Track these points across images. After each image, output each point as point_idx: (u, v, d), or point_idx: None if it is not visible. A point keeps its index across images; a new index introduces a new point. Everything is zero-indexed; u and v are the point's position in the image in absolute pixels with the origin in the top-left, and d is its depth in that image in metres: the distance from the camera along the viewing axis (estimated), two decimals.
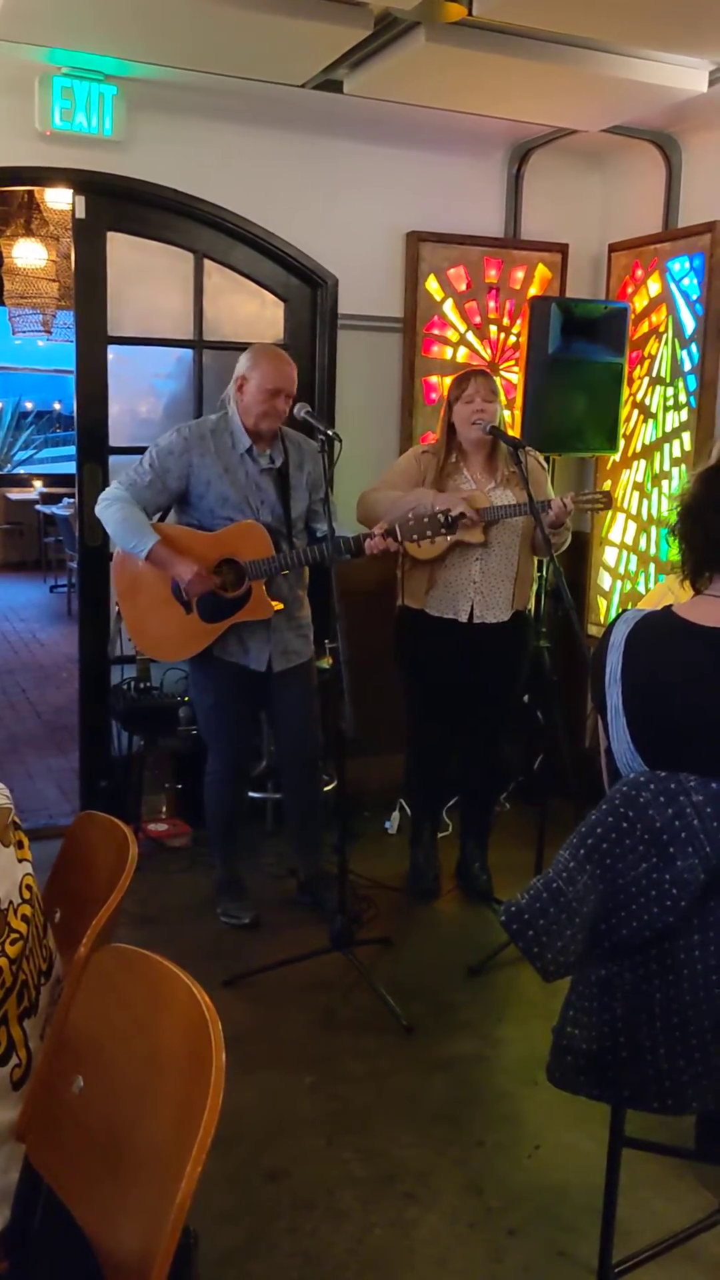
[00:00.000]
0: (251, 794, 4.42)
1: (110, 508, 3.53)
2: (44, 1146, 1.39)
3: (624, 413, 4.58)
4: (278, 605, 3.59)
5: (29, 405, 14.94)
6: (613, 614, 4.83)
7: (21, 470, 13.26)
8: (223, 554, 3.54)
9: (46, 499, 11.21)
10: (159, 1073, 1.25)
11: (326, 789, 4.10)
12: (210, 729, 3.82)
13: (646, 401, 4.59)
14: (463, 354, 4.76)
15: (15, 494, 12.11)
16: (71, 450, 4.70)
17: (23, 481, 12.59)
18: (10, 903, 1.53)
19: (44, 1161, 1.38)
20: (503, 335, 4.83)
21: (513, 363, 4.82)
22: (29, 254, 6.24)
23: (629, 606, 3.14)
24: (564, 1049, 1.95)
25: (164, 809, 4.56)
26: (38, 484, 12.19)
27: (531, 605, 4.06)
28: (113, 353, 4.39)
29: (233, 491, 3.55)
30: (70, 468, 4.80)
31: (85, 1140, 1.32)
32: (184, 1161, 1.10)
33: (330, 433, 3.40)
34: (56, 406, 15.57)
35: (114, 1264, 1.20)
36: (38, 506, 11.33)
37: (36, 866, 1.69)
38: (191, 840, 4.45)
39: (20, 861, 1.62)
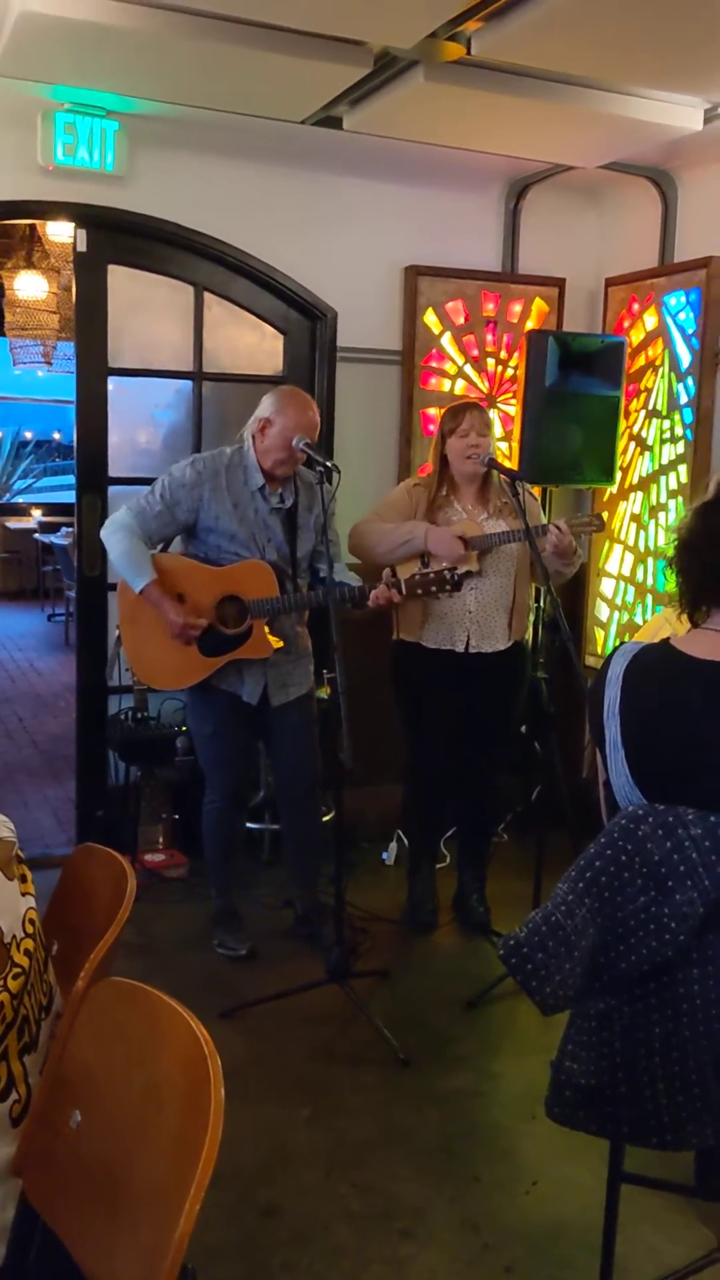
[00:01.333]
0: (249, 824, 4.41)
1: (116, 534, 3.54)
2: (40, 1182, 1.38)
3: (621, 445, 4.61)
4: (278, 644, 3.59)
5: (28, 435, 14.98)
6: (610, 645, 4.84)
7: (20, 499, 13.29)
8: (227, 590, 3.55)
9: (45, 528, 11.22)
10: (157, 1108, 1.25)
11: (325, 819, 4.08)
12: (208, 759, 3.82)
13: (643, 434, 4.62)
14: (461, 386, 4.80)
15: (14, 523, 12.13)
16: (70, 480, 4.72)
17: (21, 510, 12.61)
18: (14, 936, 1.53)
19: (40, 1198, 1.37)
20: (500, 368, 4.86)
21: (510, 395, 4.85)
22: (30, 286, 6.28)
23: (626, 638, 3.15)
24: (562, 1083, 1.94)
25: (161, 839, 4.55)
26: (36, 513, 12.21)
27: (530, 635, 4.07)
28: (112, 384, 4.42)
29: (240, 529, 3.56)
30: (69, 497, 4.81)
31: (82, 1176, 1.31)
32: (183, 1198, 1.09)
33: (329, 464, 3.42)
34: (56, 436, 15.62)
35: None
36: (36, 535, 11.35)
37: (38, 896, 1.69)
38: (188, 871, 4.43)
39: (24, 895, 1.61)
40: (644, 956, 1.81)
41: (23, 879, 1.62)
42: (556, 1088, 1.95)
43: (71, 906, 1.86)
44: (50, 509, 12.21)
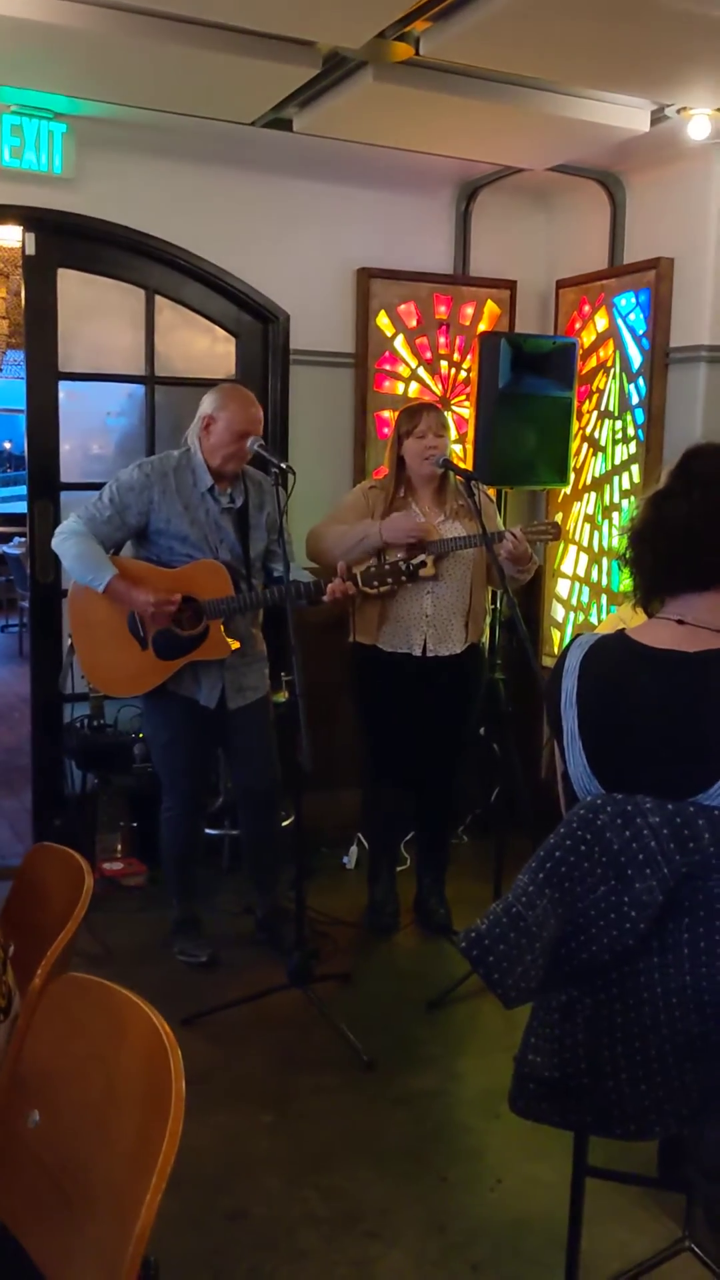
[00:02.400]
0: (208, 830, 4.37)
1: (67, 541, 3.51)
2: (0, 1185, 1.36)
3: (574, 446, 4.63)
4: (235, 644, 3.57)
5: None
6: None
7: None
8: (181, 591, 3.52)
9: None
10: (117, 1104, 1.22)
11: (284, 824, 4.06)
12: (165, 766, 3.78)
13: (596, 435, 4.65)
14: (414, 389, 4.80)
15: None
16: (21, 490, 4.68)
17: None
18: None
19: (1, 1201, 1.35)
20: (453, 370, 4.88)
21: (464, 397, 4.87)
22: None
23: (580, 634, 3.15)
24: (526, 1076, 1.93)
25: (119, 848, 4.50)
26: None
27: (486, 638, 4.08)
28: (64, 390, 4.38)
29: (192, 530, 3.54)
30: (20, 507, 4.77)
31: (41, 1175, 1.29)
32: (143, 1191, 1.07)
33: (284, 465, 3.41)
34: (7, 446, 15.47)
35: None
36: None
37: None
38: (147, 879, 4.39)
39: None
40: (605, 946, 1.81)
41: None
42: (520, 1081, 1.94)
43: (27, 906, 1.82)
44: (2, 519, 12.07)
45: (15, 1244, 1.28)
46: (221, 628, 3.54)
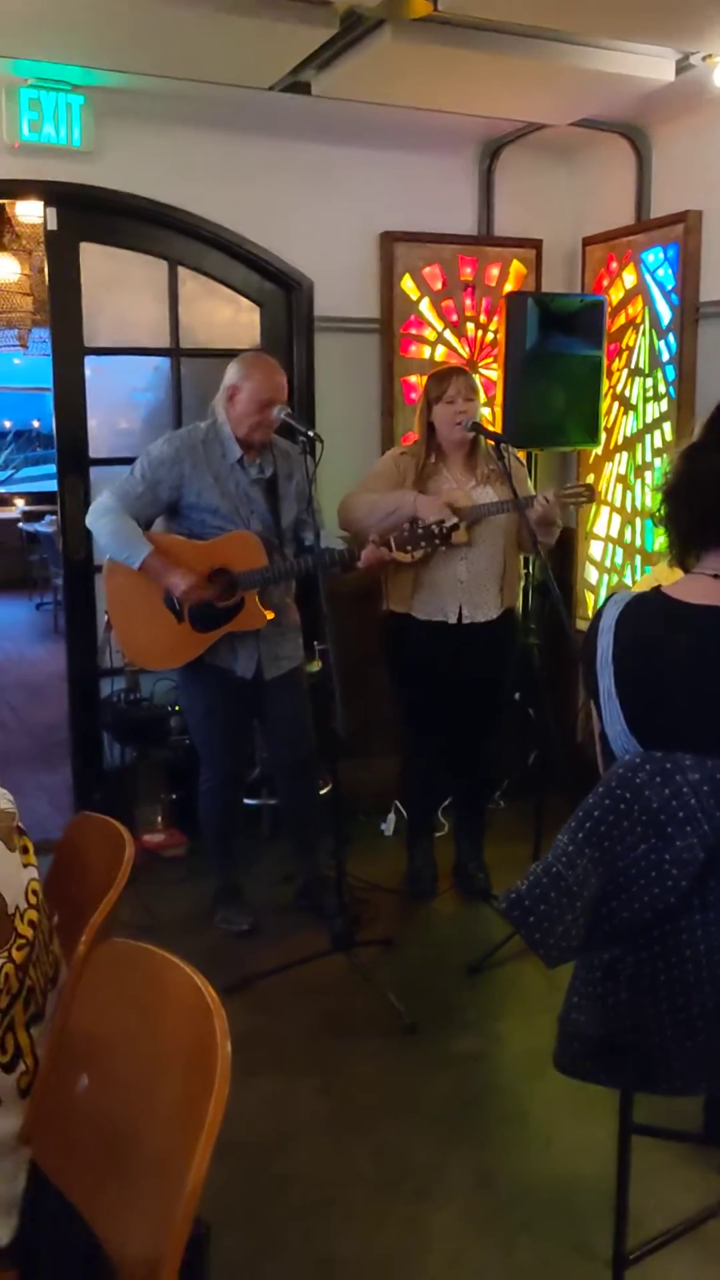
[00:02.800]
0: (246, 800, 4.39)
1: (102, 519, 3.52)
2: (50, 1147, 1.37)
3: (604, 405, 4.59)
4: (270, 614, 3.57)
5: (7, 424, 14.91)
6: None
7: (2, 490, 13.22)
8: (215, 564, 3.52)
9: (29, 517, 11.16)
10: (164, 1066, 1.24)
11: (322, 792, 4.08)
12: (203, 738, 3.80)
13: (626, 393, 4.60)
14: (441, 353, 4.76)
15: None
16: (51, 469, 4.68)
17: (4, 500, 12.54)
18: (17, 907, 1.51)
19: (50, 1162, 1.37)
20: (480, 332, 4.83)
21: (491, 359, 4.82)
22: (2, 269, 6.22)
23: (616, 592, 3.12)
24: (570, 1036, 1.94)
25: (159, 820, 4.53)
26: (20, 502, 12.14)
27: (520, 602, 4.05)
28: (90, 366, 4.38)
29: (223, 502, 3.54)
30: (51, 486, 4.78)
31: (91, 1138, 1.31)
32: (191, 1152, 1.08)
33: (311, 433, 3.40)
34: (35, 425, 15.53)
35: (125, 1261, 1.18)
36: (20, 525, 11.29)
37: (35, 868, 1.67)
38: (188, 850, 4.43)
39: (25, 867, 1.60)
40: (646, 904, 1.81)
41: (24, 850, 1.60)
42: (564, 1040, 1.95)
43: (70, 876, 1.84)
44: (33, 498, 12.14)
45: (68, 1205, 1.30)
46: (256, 598, 3.54)
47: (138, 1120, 1.25)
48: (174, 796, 4.54)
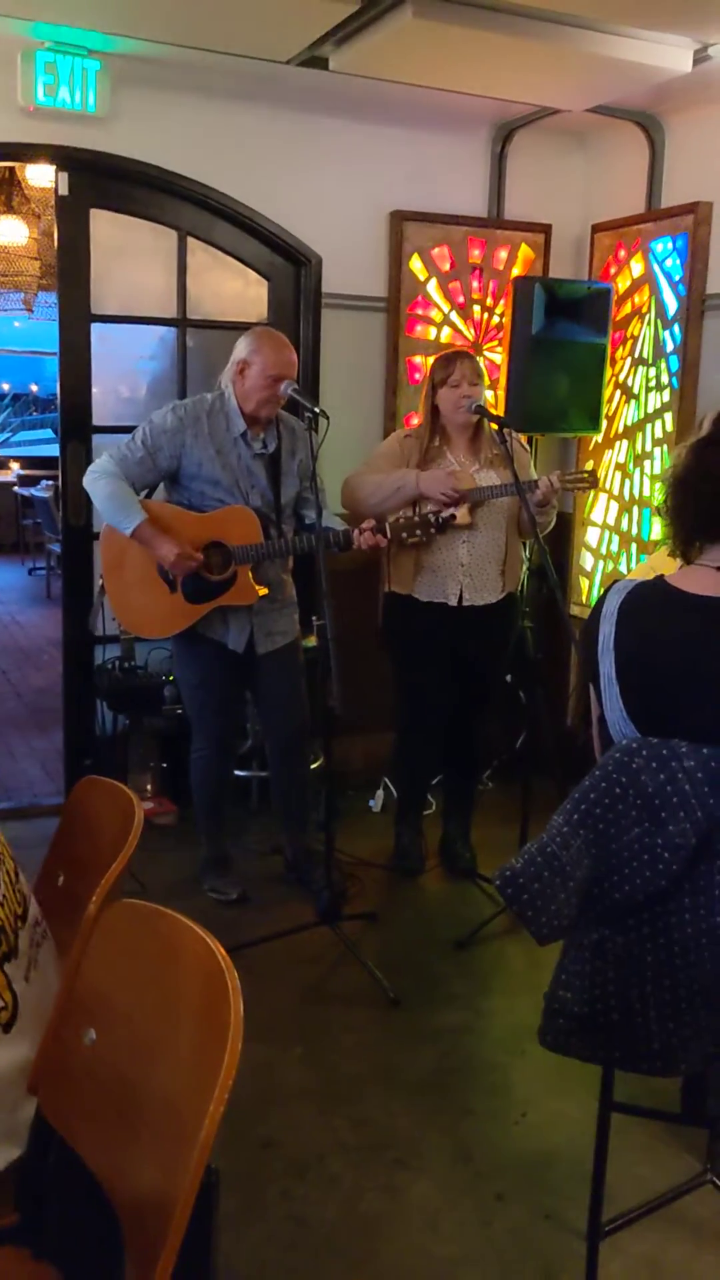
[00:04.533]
0: (237, 772, 4.43)
1: (99, 481, 3.52)
2: (56, 1099, 1.41)
3: (607, 393, 4.61)
4: (262, 591, 3.59)
5: (5, 387, 14.85)
6: (595, 594, 4.86)
7: None
8: (211, 536, 3.54)
9: (24, 481, 11.14)
10: (174, 1022, 1.27)
11: (314, 766, 4.11)
12: (195, 707, 3.83)
13: (629, 382, 4.62)
14: (446, 334, 4.77)
15: None
16: (47, 434, 4.69)
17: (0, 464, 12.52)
18: None
19: (56, 1114, 1.40)
20: (486, 315, 4.84)
21: (496, 343, 4.84)
22: (10, 232, 6.20)
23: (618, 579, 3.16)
24: (556, 1012, 1.97)
25: (150, 788, 4.57)
26: (15, 466, 12.11)
27: (521, 585, 4.08)
28: (95, 333, 4.37)
29: (224, 475, 3.55)
30: (47, 450, 4.79)
31: (99, 1091, 1.34)
32: (204, 1103, 1.12)
33: (317, 410, 3.41)
34: (33, 389, 15.47)
35: (131, 1208, 1.22)
36: (16, 489, 11.26)
37: (25, 844, 1.70)
38: (178, 819, 4.46)
39: None
40: (638, 887, 1.85)
41: None
42: (550, 1016, 1.99)
43: (76, 839, 1.87)
44: (29, 462, 12.11)
45: (74, 1155, 1.34)
46: (250, 574, 3.56)
47: (146, 1073, 1.29)
48: (165, 765, 4.57)
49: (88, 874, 1.67)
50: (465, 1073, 2.99)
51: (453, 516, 3.57)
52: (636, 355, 4.57)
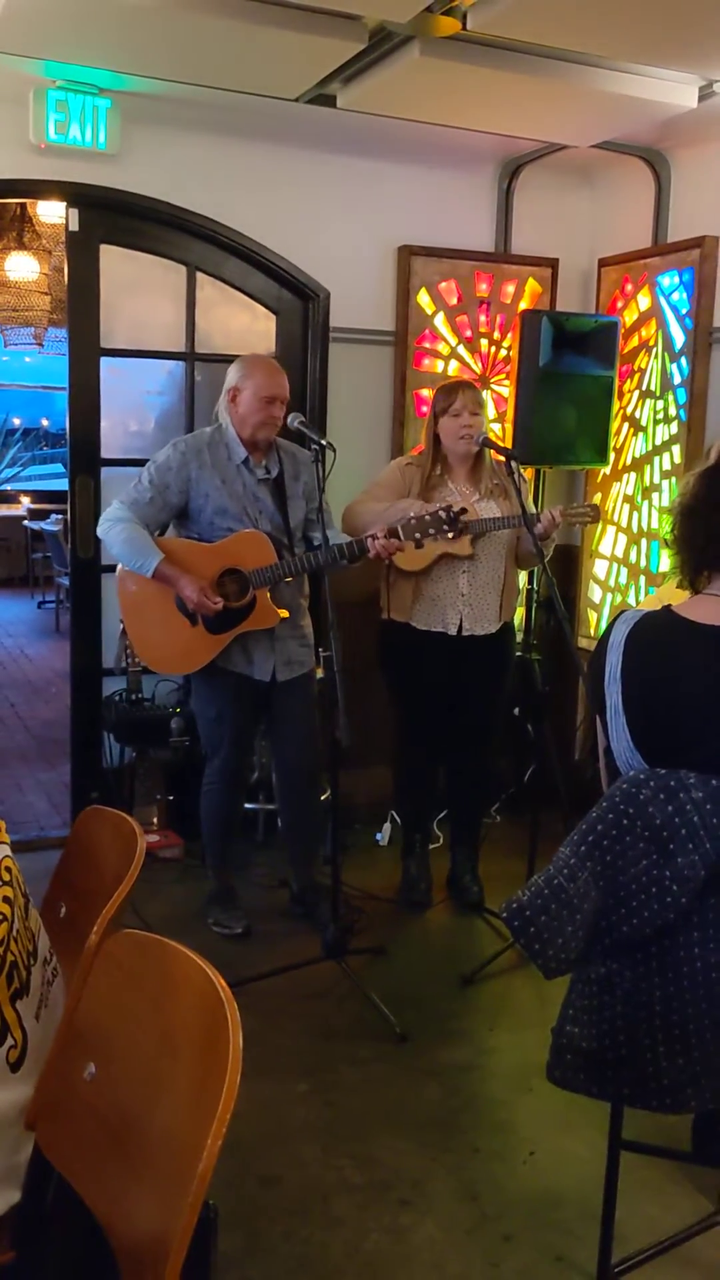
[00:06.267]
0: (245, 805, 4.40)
1: (114, 528, 3.53)
2: (55, 1135, 1.38)
3: (614, 426, 4.62)
4: (283, 613, 3.59)
5: (16, 421, 14.94)
6: (603, 627, 4.85)
7: (8, 487, 13.26)
8: (226, 564, 3.54)
9: (34, 515, 11.19)
10: (173, 1055, 1.25)
11: (322, 798, 4.09)
12: (213, 741, 3.81)
13: (636, 415, 4.63)
14: (454, 367, 4.79)
15: (2, 510, 12.11)
16: (58, 469, 4.72)
17: (10, 498, 12.58)
18: None
19: (55, 1150, 1.38)
20: (493, 349, 4.86)
21: (503, 376, 4.85)
22: (21, 267, 6.26)
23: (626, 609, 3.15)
24: (563, 1047, 1.95)
25: (155, 820, 4.55)
26: (25, 500, 12.18)
27: (521, 618, 4.08)
28: (104, 367, 4.40)
29: (231, 503, 3.56)
30: (57, 484, 4.81)
31: (98, 1126, 1.32)
32: (203, 1137, 1.10)
33: (324, 442, 3.42)
34: (44, 423, 15.58)
35: (129, 1246, 1.19)
36: (26, 523, 11.31)
37: (32, 877, 1.68)
38: (183, 852, 4.44)
39: None
40: (646, 920, 1.82)
41: None
42: (557, 1051, 1.96)
43: (78, 869, 1.86)
44: (39, 496, 12.18)
45: (72, 1193, 1.31)
46: (269, 596, 3.56)
47: (146, 1108, 1.26)
48: (171, 797, 4.55)
49: (90, 904, 1.65)
50: (472, 1110, 2.95)
51: (465, 510, 3.52)
52: (644, 388, 4.58)
